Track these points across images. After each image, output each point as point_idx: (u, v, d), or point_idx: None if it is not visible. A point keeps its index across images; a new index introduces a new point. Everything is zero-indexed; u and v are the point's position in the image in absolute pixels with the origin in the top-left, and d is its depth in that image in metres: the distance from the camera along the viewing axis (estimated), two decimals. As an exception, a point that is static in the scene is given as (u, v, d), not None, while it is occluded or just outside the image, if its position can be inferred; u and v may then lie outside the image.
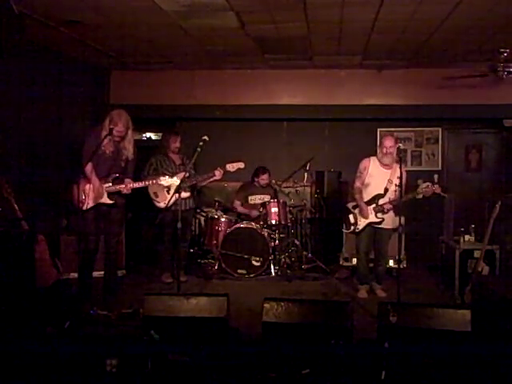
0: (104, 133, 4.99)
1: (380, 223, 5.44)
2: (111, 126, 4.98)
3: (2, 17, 4.11)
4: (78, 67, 7.05)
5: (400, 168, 4.88)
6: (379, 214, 5.41)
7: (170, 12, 5.02)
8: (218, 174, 5.87)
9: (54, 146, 6.41)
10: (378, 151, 5.51)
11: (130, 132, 5.13)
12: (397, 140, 5.48)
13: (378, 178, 5.45)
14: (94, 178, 5.07)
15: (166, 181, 5.39)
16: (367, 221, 5.46)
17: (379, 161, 5.47)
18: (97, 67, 7.55)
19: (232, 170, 5.87)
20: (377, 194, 5.44)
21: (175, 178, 5.45)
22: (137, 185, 5.27)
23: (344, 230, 5.87)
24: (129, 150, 5.18)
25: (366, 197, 5.49)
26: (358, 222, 5.51)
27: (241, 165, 5.90)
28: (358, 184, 5.56)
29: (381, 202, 5.41)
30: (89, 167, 5.05)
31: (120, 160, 5.18)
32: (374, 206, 5.43)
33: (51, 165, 6.31)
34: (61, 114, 6.63)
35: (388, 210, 5.39)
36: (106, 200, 5.10)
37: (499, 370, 3.36)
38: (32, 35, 5.56)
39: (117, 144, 5.12)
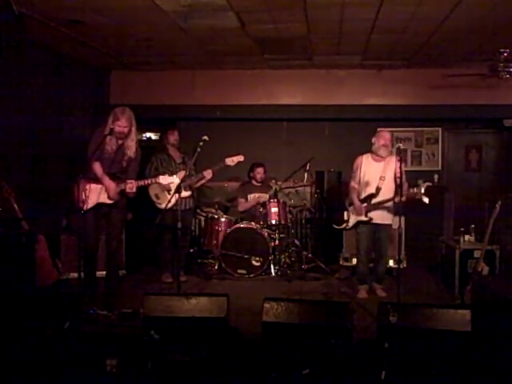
0: (106, 130, 4.87)
1: (368, 222, 5.42)
2: (113, 124, 4.85)
3: (2, 17, 4.12)
4: (78, 67, 7.05)
5: (400, 168, 4.89)
6: (368, 213, 5.42)
7: (170, 12, 5.03)
8: (207, 174, 5.86)
9: (54, 146, 6.41)
10: (375, 144, 5.48)
11: (133, 130, 4.99)
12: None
13: (372, 175, 5.45)
14: (105, 177, 4.95)
15: (164, 179, 5.22)
16: (357, 218, 5.47)
17: (375, 154, 5.48)
18: (97, 67, 7.55)
19: (232, 163, 5.86)
20: (370, 194, 5.44)
21: (175, 177, 5.39)
22: (141, 183, 5.15)
23: (335, 226, 5.88)
24: (131, 149, 5.04)
25: (364, 195, 5.50)
26: (350, 220, 5.57)
27: (240, 158, 5.89)
28: (352, 184, 5.60)
29: (373, 201, 5.41)
30: (97, 166, 4.94)
31: (121, 159, 5.05)
32: (365, 205, 5.44)
33: (51, 165, 6.31)
34: (61, 114, 6.63)
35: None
36: (105, 200, 5.00)
37: (499, 370, 3.36)
38: (32, 35, 5.56)
39: (119, 143, 4.99)
